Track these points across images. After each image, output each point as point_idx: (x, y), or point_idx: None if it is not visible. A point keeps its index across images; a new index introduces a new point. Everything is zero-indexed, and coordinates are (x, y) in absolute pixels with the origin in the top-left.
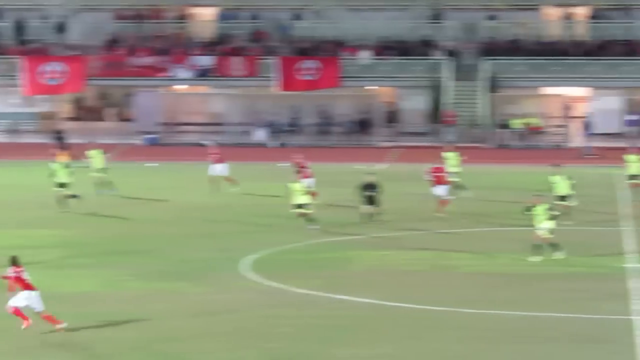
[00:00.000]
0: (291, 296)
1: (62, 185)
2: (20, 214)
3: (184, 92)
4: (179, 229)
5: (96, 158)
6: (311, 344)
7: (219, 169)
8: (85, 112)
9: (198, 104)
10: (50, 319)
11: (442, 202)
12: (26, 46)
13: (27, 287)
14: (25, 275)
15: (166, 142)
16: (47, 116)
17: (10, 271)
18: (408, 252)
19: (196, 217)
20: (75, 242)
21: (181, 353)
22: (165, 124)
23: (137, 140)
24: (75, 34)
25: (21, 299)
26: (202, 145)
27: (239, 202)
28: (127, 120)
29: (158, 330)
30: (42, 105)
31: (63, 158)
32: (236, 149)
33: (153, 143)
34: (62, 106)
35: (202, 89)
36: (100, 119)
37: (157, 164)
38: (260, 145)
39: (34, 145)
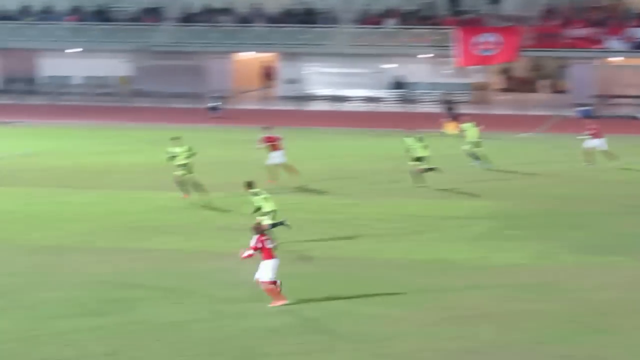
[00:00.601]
0: None
1: (418, 159)
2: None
3: (620, 64)
4: (604, 204)
5: (470, 130)
6: None
7: (597, 143)
8: (516, 84)
9: (634, 76)
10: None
11: None
12: (461, 17)
13: (270, 255)
14: (269, 244)
15: (600, 114)
16: (479, 87)
17: (256, 240)
18: None
19: (618, 194)
20: (505, 213)
21: (612, 328)
22: (599, 96)
23: (571, 113)
24: (509, 5)
25: (268, 270)
26: (636, 118)
27: None
28: (561, 92)
29: (589, 304)
30: (474, 76)
31: (450, 128)
32: None
33: (586, 115)
34: (494, 77)
35: (638, 61)
36: (532, 90)
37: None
38: None
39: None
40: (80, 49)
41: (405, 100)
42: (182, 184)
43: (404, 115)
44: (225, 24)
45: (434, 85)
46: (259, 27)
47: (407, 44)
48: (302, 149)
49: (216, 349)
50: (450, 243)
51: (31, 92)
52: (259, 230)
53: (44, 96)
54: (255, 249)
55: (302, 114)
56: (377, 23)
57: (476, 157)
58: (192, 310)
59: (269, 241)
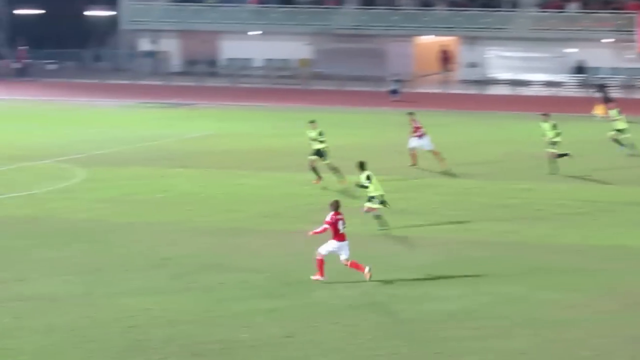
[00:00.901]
0: None
1: (553, 144)
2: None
3: None
4: None
5: (615, 117)
6: None
7: None
8: None
9: None
10: (356, 266)
11: None
12: None
13: (339, 237)
14: (341, 225)
15: None
16: None
17: (330, 216)
18: None
19: None
20: None
21: None
22: None
23: None
24: None
25: (327, 247)
26: None
27: None
28: None
29: None
30: None
31: (599, 111)
32: None
33: None
34: None
35: None
36: None
37: None
38: None
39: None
40: (261, 32)
41: (586, 85)
42: (316, 169)
43: (584, 100)
44: (407, 7)
45: (616, 70)
46: (441, 11)
47: (589, 29)
48: (482, 133)
49: (392, 332)
50: (627, 229)
51: (212, 74)
52: (335, 207)
53: (225, 78)
54: (329, 223)
55: (482, 98)
56: (559, 7)
57: (621, 144)
58: (368, 294)
59: (342, 222)
